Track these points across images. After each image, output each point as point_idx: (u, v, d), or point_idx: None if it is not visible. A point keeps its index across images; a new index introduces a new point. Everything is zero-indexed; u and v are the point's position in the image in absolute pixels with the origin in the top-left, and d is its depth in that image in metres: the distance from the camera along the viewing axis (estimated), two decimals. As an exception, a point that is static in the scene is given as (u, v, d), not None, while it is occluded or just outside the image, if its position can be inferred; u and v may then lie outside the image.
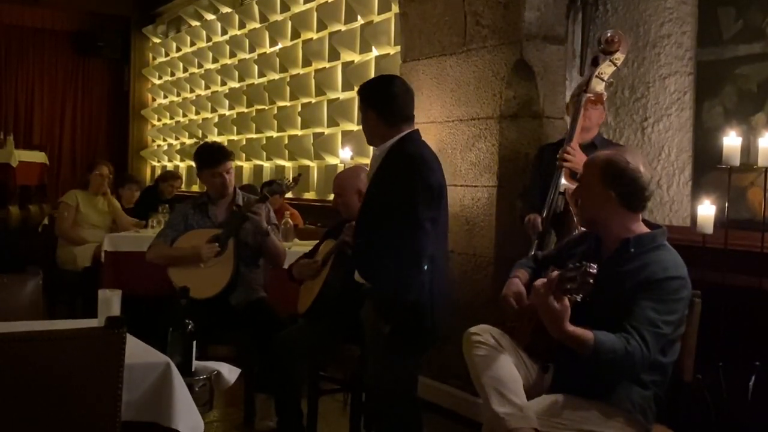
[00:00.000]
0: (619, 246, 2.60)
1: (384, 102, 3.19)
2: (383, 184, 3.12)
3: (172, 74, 10.39)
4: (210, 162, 4.17)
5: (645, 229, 2.63)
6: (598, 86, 3.62)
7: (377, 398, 3.26)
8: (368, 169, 3.47)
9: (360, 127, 4.62)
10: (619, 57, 3.61)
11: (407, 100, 3.22)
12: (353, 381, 3.70)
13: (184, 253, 4.08)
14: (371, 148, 3.40)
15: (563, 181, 3.58)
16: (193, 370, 2.75)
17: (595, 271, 2.29)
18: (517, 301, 2.79)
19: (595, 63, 3.65)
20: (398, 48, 5.31)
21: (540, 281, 2.49)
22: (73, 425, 2.18)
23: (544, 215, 3.62)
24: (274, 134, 7.74)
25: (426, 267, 3.02)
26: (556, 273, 2.44)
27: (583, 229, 3.29)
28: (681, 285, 2.52)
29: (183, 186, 9.44)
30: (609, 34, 3.62)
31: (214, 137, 8.94)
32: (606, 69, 3.61)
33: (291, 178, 4.29)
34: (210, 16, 9.20)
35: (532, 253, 3.59)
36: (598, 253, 2.65)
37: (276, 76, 7.71)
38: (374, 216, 3.13)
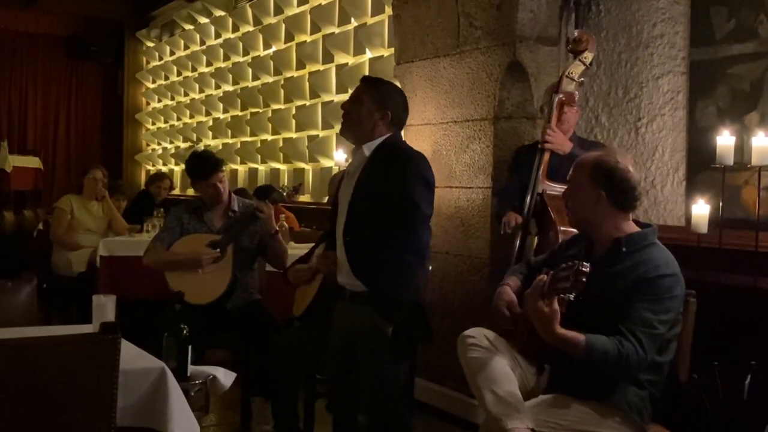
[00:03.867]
0: (610, 246, 2.61)
1: (400, 109, 3.15)
2: (379, 181, 3.01)
3: (166, 78, 10.38)
4: (200, 175, 4.18)
5: (636, 229, 2.64)
6: (569, 86, 3.67)
7: (375, 406, 3.11)
8: (348, 166, 3.29)
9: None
10: (588, 56, 3.66)
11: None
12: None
13: (182, 258, 4.07)
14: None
15: (541, 182, 3.61)
16: (188, 374, 2.75)
17: (587, 269, 2.29)
18: (509, 310, 2.78)
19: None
20: (392, 50, 5.31)
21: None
22: (69, 431, 2.17)
23: (523, 217, 3.65)
24: (269, 137, 7.74)
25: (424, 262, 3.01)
26: (544, 277, 2.45)
27: (563, 228, 3.30)
28: (674, 282, 2.52)
29: (178, 189, 9.45)
30: (576, 34, 3.69)
31: (208, 140, 8.94)
32: (575, 68, 3.67)
33: (291, 187, 4.28)
34: (203, 20, 9.19)
35: (515, 256, 3.61)
36: (590, 255, 2.66)
37: (270, 79, 7.71)
38: (370, 213, 3.01)
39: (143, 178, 10.91)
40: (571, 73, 3.66)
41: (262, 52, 7.93)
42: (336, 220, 3.16)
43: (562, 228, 3.40)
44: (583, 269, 2.29)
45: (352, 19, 6.37)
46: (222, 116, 8.79)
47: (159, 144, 10.65)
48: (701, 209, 3.31)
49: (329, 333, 3.28)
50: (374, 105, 3.06)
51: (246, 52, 8.24)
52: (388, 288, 2.93)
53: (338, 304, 3.22)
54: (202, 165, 4.21)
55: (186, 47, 9.75)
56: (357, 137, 3.11)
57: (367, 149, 3.06)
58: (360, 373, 3.04)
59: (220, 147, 8.64)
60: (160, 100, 10.64)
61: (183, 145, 9.69)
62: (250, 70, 8.08)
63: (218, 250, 4.03)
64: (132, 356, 2.45)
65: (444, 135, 4.64)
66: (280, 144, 7.45)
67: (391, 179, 2.96)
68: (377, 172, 3.01)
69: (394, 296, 2.93)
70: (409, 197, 2.92)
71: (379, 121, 3.06)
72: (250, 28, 8.10)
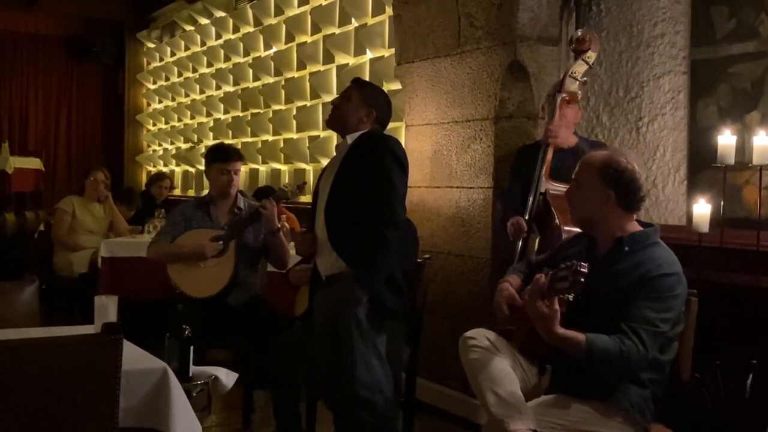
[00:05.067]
0: (612, 245, 2.61)
1: (385, 109, 3.44)
2: (359, 164, 3.25)
3: (167, 79, 10.37)
4: (222, 157, 4.24)
5: (638, 228, 2.64)
6: (572, 86, 3.69)
7: (350, 398, 3.17)
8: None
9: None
10: (591, 55, 3.68)
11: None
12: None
13: (186, 249, 4.10)
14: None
15: (544, 181, 3.61)
16: (190, 375, 2.76)
17: (585, 269, 2.29)
18: (509, 306, 2.78)
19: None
20: (392, 50, 5.31)
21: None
22: (71, 432, 2.18)
23: (526, 217, 3.64)
24: (270, 138, 7.73)
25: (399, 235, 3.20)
26: (543, 277, 2.44)
27: (567, 228, 3.30)
28: (676, 281, 2.52)
29: (179, 190, 9.45)
30: (579, 33, 3.71)
31: (209, 141, 8.93)
32: (578, 68, 3.69)
33: (295, 185, 4.31)
34: (204, 21, 9.18)
35: (517, 256, 3.61)
36: (592, 254, 2.66)
37: (271, 80, 7.70)
38: (351, 192, 3.23)
39: (144, 179, 10.91)
40: (575, 72, 3.67)
41: (262, 53, 7.92)
42: (317, 205, 3.37)
43: (565, 228, 3.40)
44: (582, 269, 2.29)
45: (353, 20, 6.37)
46: (223, 117, 8.79)
47: (160, 145, 10.65)
48: (702, 209, 3.31)
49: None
50: (361, 102, 3.37)
51: (246, 53, 8.24)
52: (366, 258, 3.14)
53: (316, 295, 3.39)
54: (228, 149, 4.33)
55: (186, 48, 9.74)
56: (342, 129, 3.39)
57: (350, 138, 3.34)
58: (342, 346, 3.16)
59: (221, 148, 8.63)
60: (160, 101, 10.63)
61: (184, 146, 9.69)
62: (250, 71, 8.07)
63: (221, 243, 4.06)
64: (134, 357, 2.46)
65: (445, 135, 4.64)
66: (281, 144, 7.45)
67: (371, 161, 3.22)
68: (358, 157, 3.27)
69: (371, 265, 3.13)
70: (387, 177, 3.18)
71: (364, 117, 3.36)
72: (251, 29, 8.10)
